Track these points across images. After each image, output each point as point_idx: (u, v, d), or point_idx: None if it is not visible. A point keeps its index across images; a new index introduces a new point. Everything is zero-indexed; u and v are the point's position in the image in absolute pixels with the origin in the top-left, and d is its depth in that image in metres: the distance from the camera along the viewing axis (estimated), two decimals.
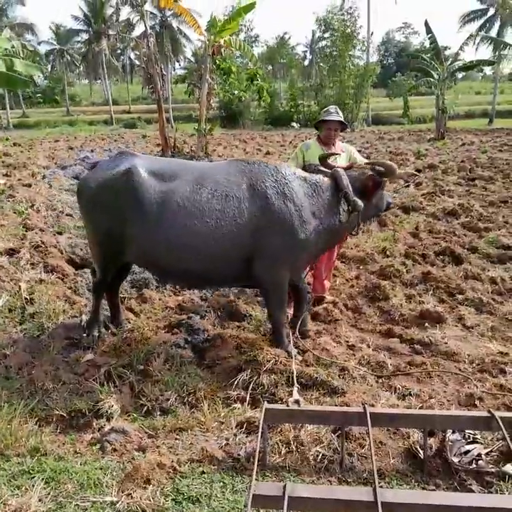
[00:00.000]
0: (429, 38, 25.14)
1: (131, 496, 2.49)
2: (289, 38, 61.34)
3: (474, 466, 2.73)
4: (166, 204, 3.58)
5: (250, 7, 15.32)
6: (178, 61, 56.70)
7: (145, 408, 3.29)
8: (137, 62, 53.86)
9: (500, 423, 2.51)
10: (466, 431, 2.90)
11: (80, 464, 2.77)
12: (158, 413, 3.26)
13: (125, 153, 3.92)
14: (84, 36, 48.92)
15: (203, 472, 2.69)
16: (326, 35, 36.69)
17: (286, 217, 3.61)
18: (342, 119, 4.69)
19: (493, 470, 2.69)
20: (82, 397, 3.32)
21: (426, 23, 24.89)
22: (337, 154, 4.48)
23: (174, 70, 56.79)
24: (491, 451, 2.82)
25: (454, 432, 2.90)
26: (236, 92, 23.37)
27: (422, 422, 2.74)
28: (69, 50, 51.88)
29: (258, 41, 60.87)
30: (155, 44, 17.54)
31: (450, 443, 2.83)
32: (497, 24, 36.40)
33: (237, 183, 3.66)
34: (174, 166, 3.83)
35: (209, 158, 15.53)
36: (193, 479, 2.64)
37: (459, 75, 34.99)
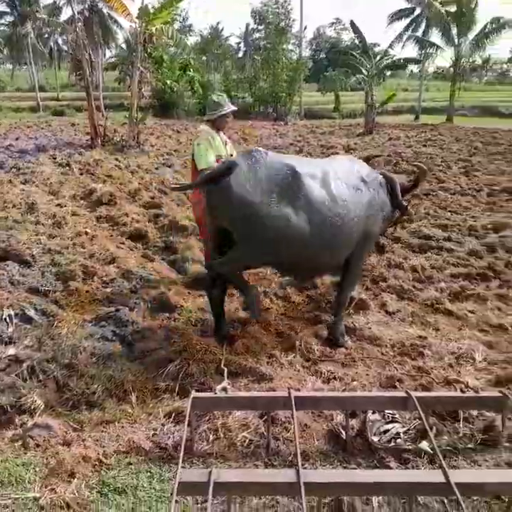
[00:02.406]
0: (356, 37, 25.83)
1: (55, 491, 2.45)
2: (222, 28, 61.04)
3: (393, 444, 2.88)
4: (330, 203, 3.68)
5: None
6: (109, 48, 54.92)
7: (71, 402, 3.23)
8: (65, 48, 51.66)
9: (416, 402, 2.66)
10: (386, 411, 3.05)
11: (1, 461, 2.68)
12: (85, 407, 3.20)
13: (259, 151, 3.71)
14: (9, 18, 46.28)
15: (129, 463, 2.68)
16: (260, 27, 36.77)
17: (381, 207, 4.09)
18: (235, 108, 5.09)
19: (410, 447, 2.85)
20: (3, 392, 3.20)
21: (352, 23, 25.55)
22: (379, 156, 4.82)
23: (105, 57, 55.06)
24: (409, 429, 2.98)
25: (374, 413, 3.04)
26: (168, 81, 22.99)
27: (344, 403, 2.86)
28: None
29: (192, 31, 60.15)
30: (83, 29, 16.91)
31: (370, 423, 2.97)
32: (423, 23, 37.81)
33: (357, 177, 3.97)
34: (312, 165, 3.89)
35: (141, 148, 15.23)
36: (119, 471, 2.63)
37: (388, 72, 36.13)
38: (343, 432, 2.90)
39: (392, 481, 2.20)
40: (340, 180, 3.82)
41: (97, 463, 2.66)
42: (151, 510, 2.41)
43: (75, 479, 2.52)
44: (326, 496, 2.37)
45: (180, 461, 2.19)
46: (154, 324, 4.18)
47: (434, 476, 2.20)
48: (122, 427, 3.01)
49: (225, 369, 3.29)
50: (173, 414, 3.07)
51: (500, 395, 2.80)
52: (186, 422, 2.51)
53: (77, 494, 2.43)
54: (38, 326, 4.07)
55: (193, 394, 2.75)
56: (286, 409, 2.80)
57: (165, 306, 4.59)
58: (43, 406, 3.12)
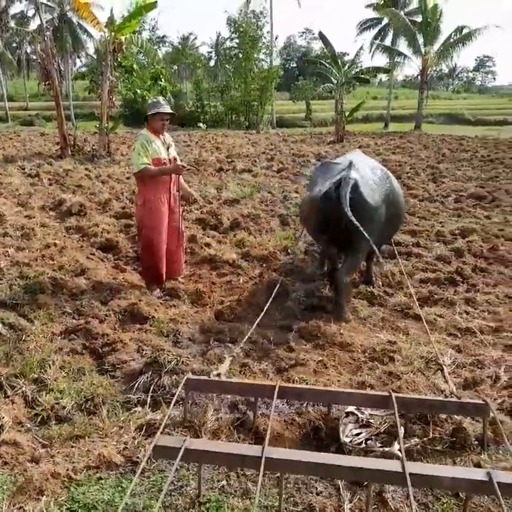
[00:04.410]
0: (325, 48, 26.20)
1: (24, 509, 2.40)
2: (195, 38, 61.18)
3: (364, 446, 2.91)
4: (397, 188, 5.08)
5: (151, 6, 15.12)
6: (79, 57, 54.50)
7: (40, 418, 3.15)
8: (34, 57, 51.01)
9: (394, 402, 2.72)
10: (359, 415, 3.09)
11: None
12: (54, 422, 3.13)
13: (355, 162, 4.64)
14: None
15: (100, 478, 2.63)
16: (234, 35, 36.79)
17: None
18: (173, 111, 5.16)
19: (380, 449, 2.88)
20: None
21: (320, 34, 25.93)
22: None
23: (75, 66, 54.62)
24: (381, 432, 3.01)
25: (347, 416, 3.08)
26: (139, 91, 22.90)
27: (326, 397, 2.99)
28: None
29: (165, 42, 60.21)
30: (52, 39, 16.77)
31: (343, 425, 3.01)
32: (391, 33, 38.55)
33: None
34: (376, 161, 5.29)
35: (112, 158, 15.12)
36: (89, 486, 2.58)
37: (358, 82, 36.67)
38: (323, 425, 3.00)
39: (351, 466, 2.29)
40: None
41: (66, 479, 2.60)
42: None
43: (44, 497, 2.47)
44: (286, 472, 2.45)
45: (162, 427, 2.43)
46: (125, 336, 4.14)
47: (393, 465, 2.28)
48: (93, 441, 2.96)
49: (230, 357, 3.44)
50: (145, 427, 3.03)
51: (482, 402, 2.84)
52: (174, 400, 2.71)
53: None
54: (6, 340, 3.99)
55: (188, 375, 2.92)
56: (272, 398, 2.85)
57: (136, 317, 4.55)
58: (10, 422, 3.04)
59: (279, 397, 2.86)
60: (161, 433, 2.43)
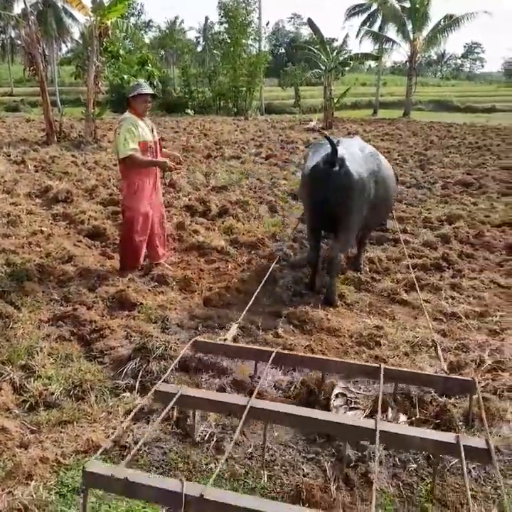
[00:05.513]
0: (314, 34, 26.02)
1: (12, 494, 2.41)
2: (182, 21, 60.39)
3: None
4: (384, 176, 5.00)
5: None
6: (64, 42, 53.60)
7: (28, 404, 3.16)
8: (19, 42, 50.10)
9: (382, 374, 2.82)
10: (349, 396, 3.17)
11: None
12: (42, 408, 3.14)
13: (345, 140, 4.99)
14: None
15: None
16: (224, 19, 36.27)
17: None
18: (154, 92, 5.24)
19: None
20: None
21: (309, 21, 25.74)
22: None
23: (60, 51, 53.79)
24: (371, 412, 3.05)
25: (337, 397, 3.13)
26: (125, 76, 22.60)
27: (321, 365, 3.20)
28: None
29: (151, 27, 59.44)
30: (36, 23, 16.45)
31: (335, 409, 3.05)
32: (379, 18, 38.35)
33: None
34: (367, 144, 5.35)
35: (99, 144, 14.97)
36: (78, 471, 2.59)
37: (346, 67, 36.53)
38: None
39: (328, 420, 2.48)
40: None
41: (55, 464, 2.62)
42: (111, 509, 2.40)
43: (33, 481, 2.48)
44: (268, 421, 2.61)
45: (165, 376, 2.81)
46: (113, 322, 4.14)
47: (366, 423, 2.45)
48: (81, 426, 2.98)
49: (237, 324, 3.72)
50: (133, 412, 3.04)
51: (470, 379, 2.90)
52: (180, 356, 3.11)
53: (34, 496, 2.39)
54: None
55: (196, 338, 3.28)
56: (271, 363, 3.04)
57: (124, 303, 4.54)
58: None
59: (276, 362, 3.11)
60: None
